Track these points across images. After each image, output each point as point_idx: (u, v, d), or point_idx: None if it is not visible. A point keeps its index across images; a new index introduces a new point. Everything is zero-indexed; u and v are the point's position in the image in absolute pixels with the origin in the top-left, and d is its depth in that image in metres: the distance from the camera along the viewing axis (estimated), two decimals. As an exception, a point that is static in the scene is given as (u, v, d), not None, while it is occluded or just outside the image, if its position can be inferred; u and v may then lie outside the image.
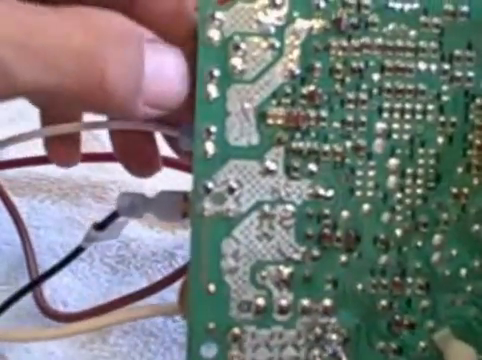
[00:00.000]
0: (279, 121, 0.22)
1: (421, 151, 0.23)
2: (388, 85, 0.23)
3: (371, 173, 0.23)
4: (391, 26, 0.23)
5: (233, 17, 0.22)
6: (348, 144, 0.23)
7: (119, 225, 0.26)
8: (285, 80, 0.22)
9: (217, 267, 0.22)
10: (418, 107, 0.23)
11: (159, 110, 0.20)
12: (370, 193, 0.23)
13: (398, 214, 0.23)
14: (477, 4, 0.23)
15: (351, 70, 0.23)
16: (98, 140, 0.41)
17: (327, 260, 0.23)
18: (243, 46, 0.22)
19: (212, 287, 0.22)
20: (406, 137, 0.23)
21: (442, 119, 0.23)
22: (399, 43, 0.23)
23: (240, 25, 0.22)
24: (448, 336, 0.23)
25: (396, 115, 0.23)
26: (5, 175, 0.40)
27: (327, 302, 0.23)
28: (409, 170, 0.23)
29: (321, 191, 0.23)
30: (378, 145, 0.23)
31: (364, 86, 0.23)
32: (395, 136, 0.23)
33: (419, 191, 0.23)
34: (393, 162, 0.23)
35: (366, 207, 0.23)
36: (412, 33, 0.23)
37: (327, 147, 0.23)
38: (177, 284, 0.32)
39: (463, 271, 0.23)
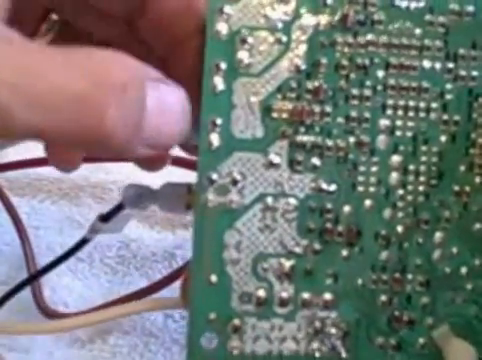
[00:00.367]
0: (284, 115, 0.23)
1: (424, 148, 0.23)
2: (392, 82, 0.23)
3: (374, 169, 0.23)
4: (397, 24, 0.23)
5: (241, 11, 0.22)
6: (351, 140, 0.23)
7: (123, 218, 0.26)
8: (291, 75, 0.23)
9: (219, 258, 0.22)
10: (422, 105, 0.23)
11: (159, 149, 0.20)
12: (372, 189, 0.23)
13: (400, 210, 0.23)
14: (483, 4, 0.23)
15: (356, 66, 0.23)
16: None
17: (328, 254, 0.23)
18: (250, 40, 0.22)
19: (214, 278, 0.22)
20: (409, 134, 0.23)
21: (445, 117, 0.23)
22: (404, 41, 0.23)
23: (248, 19, 0.22)
24: (447, 333, 0.23)
25: (400, 112, 0.23)
26: (5, 175, 0.40)
27: (327, 296, 0.23)
28: (412, 167, 0.23)
29: (324, 185, 0.23)
30: (381, 141, 0.23)
31: (368, 83, 0.23)
32: (398, 133, 0.23)
33: (421, 188, 0.23)
34: (396, 159, 0.23)
35: (368, 203, 0.23)
36: (417, 31, 0.23)
37: (331, 142, 0.23)
38: (177, 284, 0.32)
39: (464, 269, 0.23)
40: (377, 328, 0.23)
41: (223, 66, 0.22)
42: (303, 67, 0.23)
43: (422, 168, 0.23)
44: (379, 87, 0.23)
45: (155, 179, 0.29)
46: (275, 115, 0.23)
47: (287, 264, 0.23)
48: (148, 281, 0.36)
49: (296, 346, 0.23)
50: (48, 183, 0.40)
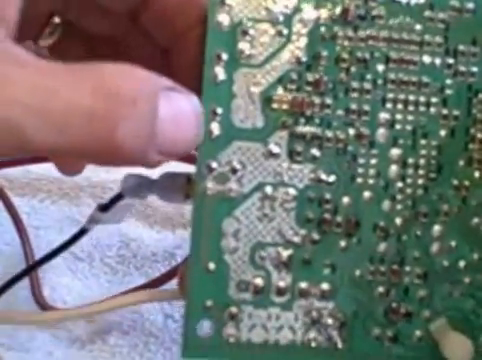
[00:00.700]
0: (284, 106, 0.23)
1: (423, 142, 0.23)
2: (392, 76, 0.23)
3: (373, 161, 0.23)
4: (397, 19, 0.23)
5: (243, 3, 0.23)
6: (351, 132, 0.23)
7: (123, 208, 0.26)
8: (291, 66, 0.23)
9: (217, 246, 0.22)
10: (421, 99, 0.23)
11: (175, 156, 0.21)
12: (371, 181, 0.23)
13: (399, 203, 0.23)
14: (483, 1, 0.23)
15: (356, 60, 0.23)
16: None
17: (326, 244, 0.23)
18: (251, 32, 0.23)
19: (212, 265, 0.22)
20: (409, 128, 0.23)
21: (445, 112, 0.23)
22: (404, 36, 0.23)
23: (249, 11, 0.23)
24: (444, 327, 0.23)
25: (400, 106, 0.23)
26: (5, 175, 0.40)
27: (325, 286, 0.23)
28: (411, 160, 0.23)
29: (323, 176, 0.23)
30: (381, 134, 0.23)
31: (369, 76, 0.23)
32: (398, 126, 0.23)
33: (420, 181, 0.23)
34: (395, 152, 0.23)
35: (367, 194, 0.23)
36: (417, 27, 0.23)
37: (330, 133, 0.23)
38: (175, 281, 0.32)
39: (462, 263, 0.23)
40: (374, 319, 0.23)
41: (224, 56, 0.22)
42: (304, 59, 0.23)
43: (421, 161, 0.23)
44: (379, 81, 0.23)
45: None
46: (275, 106, 0.23)
47: (285, 253, 0.23)
48: (148, 281, 0.36)
49: (292, 335, 0.23)
50: (48, 183, 0.40)
